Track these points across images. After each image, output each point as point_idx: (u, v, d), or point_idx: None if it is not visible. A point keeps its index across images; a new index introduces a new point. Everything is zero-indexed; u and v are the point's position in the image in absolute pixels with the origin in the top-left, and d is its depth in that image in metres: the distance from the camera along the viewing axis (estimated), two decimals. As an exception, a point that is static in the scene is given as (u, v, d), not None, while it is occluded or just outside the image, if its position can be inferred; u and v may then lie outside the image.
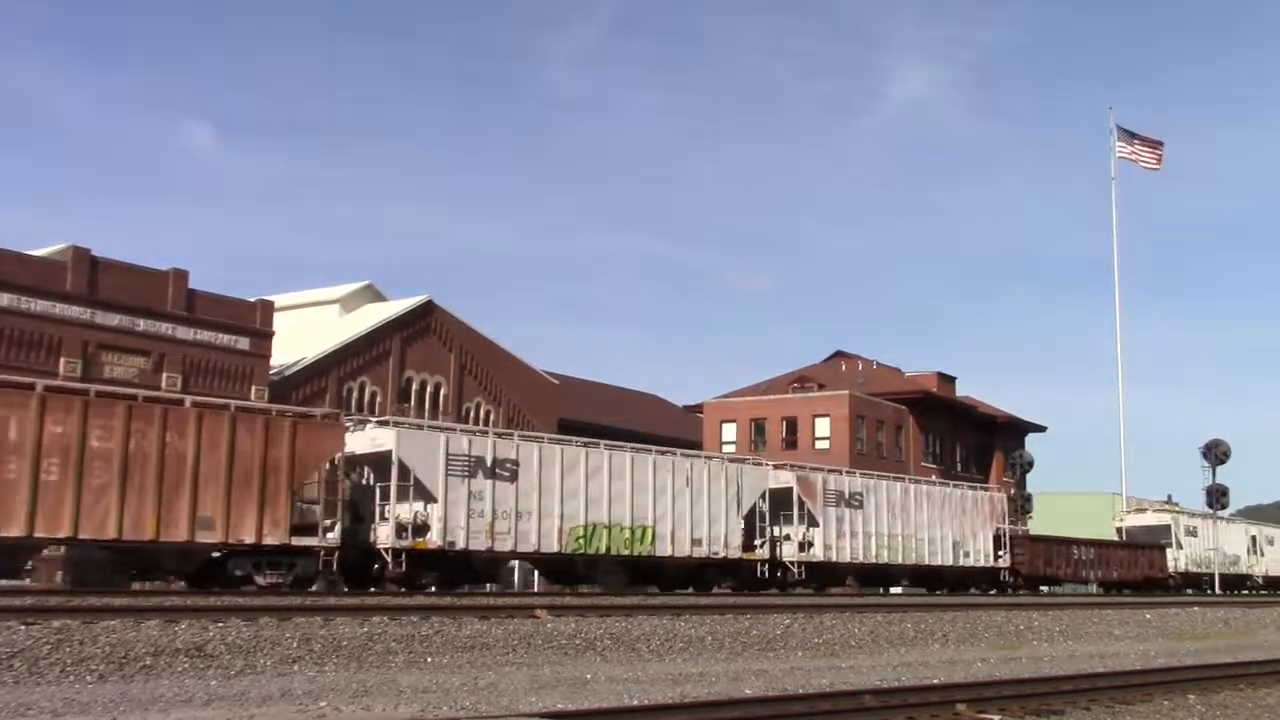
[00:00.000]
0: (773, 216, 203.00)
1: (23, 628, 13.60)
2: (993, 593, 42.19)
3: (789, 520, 36.32)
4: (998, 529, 43.91)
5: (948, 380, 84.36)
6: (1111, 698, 12.95)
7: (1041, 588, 47.57)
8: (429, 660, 15.08)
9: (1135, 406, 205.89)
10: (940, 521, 41.45)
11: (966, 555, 42.21)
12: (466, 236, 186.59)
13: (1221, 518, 57.27)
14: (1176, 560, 53.13)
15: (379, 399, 57.52)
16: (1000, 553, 43.55)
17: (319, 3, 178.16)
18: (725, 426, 74.59)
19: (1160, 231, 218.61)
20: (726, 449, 73.55)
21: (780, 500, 36.15)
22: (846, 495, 38.08)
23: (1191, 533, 55.13)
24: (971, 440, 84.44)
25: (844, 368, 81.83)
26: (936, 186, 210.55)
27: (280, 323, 53.84)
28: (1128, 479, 65.61)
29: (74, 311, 45.53)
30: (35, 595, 19.52)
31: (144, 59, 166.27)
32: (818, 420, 72.06)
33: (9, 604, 15.65)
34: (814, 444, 71.33)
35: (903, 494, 40.53)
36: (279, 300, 55.52)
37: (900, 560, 39.98)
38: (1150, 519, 55.87)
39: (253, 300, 52.95)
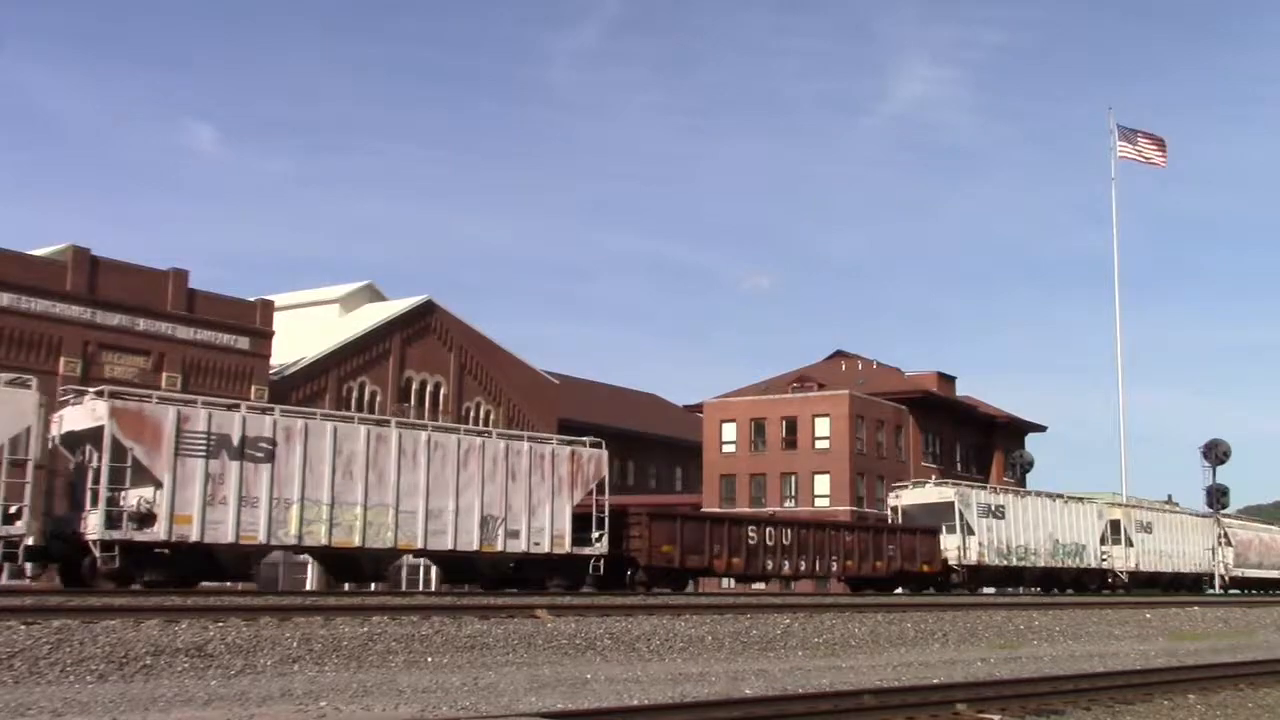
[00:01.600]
0: (774, 216, 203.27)
1: (23, 628, 13.59)
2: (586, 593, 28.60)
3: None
4: (587, 498, 30.32)
5: (948, 380, 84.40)
6: (1111, 698, 12.95)
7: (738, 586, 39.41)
8: (429, 660, 15.08)
9: (1135, 406, 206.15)
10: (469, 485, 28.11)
11: (517, 536, 28.56)
12: (466, 236, 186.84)
13: (1058, 495, 47.32)
14: (964, 550, 40.58)
15: (379, 398, 57.56)
16: (594, 534, 29.99)
17: (319, 3, 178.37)
18: (725, 426, 74.62)
19: (1160, 231, 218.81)
20: (726, 449, 73.66)
21: None
22: None
23: (995, 513, 42.12)
24: (971, 440, 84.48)
25: (844, 368, 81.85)
26: (937, 186, 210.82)
27: (280, 323, 53.88)
28: (1128, 479, 65.58)
29: (74, 311, 45.56)
30: (35, 595, 19.52)
31: (145, 59, 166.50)
32: (817, 420, 72.08)
33: (9, 604, 15.65)
34: (814, 444, 71.35)
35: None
36: (279, 300, 55.57)
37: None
38: (932, 495, 42.98)
39: (253, 300, 53.00)
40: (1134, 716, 12.23)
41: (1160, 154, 65.74)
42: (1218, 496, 61.32)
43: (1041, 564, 43.82)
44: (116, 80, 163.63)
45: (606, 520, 30.18)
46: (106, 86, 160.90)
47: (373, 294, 65.58)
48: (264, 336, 52.12)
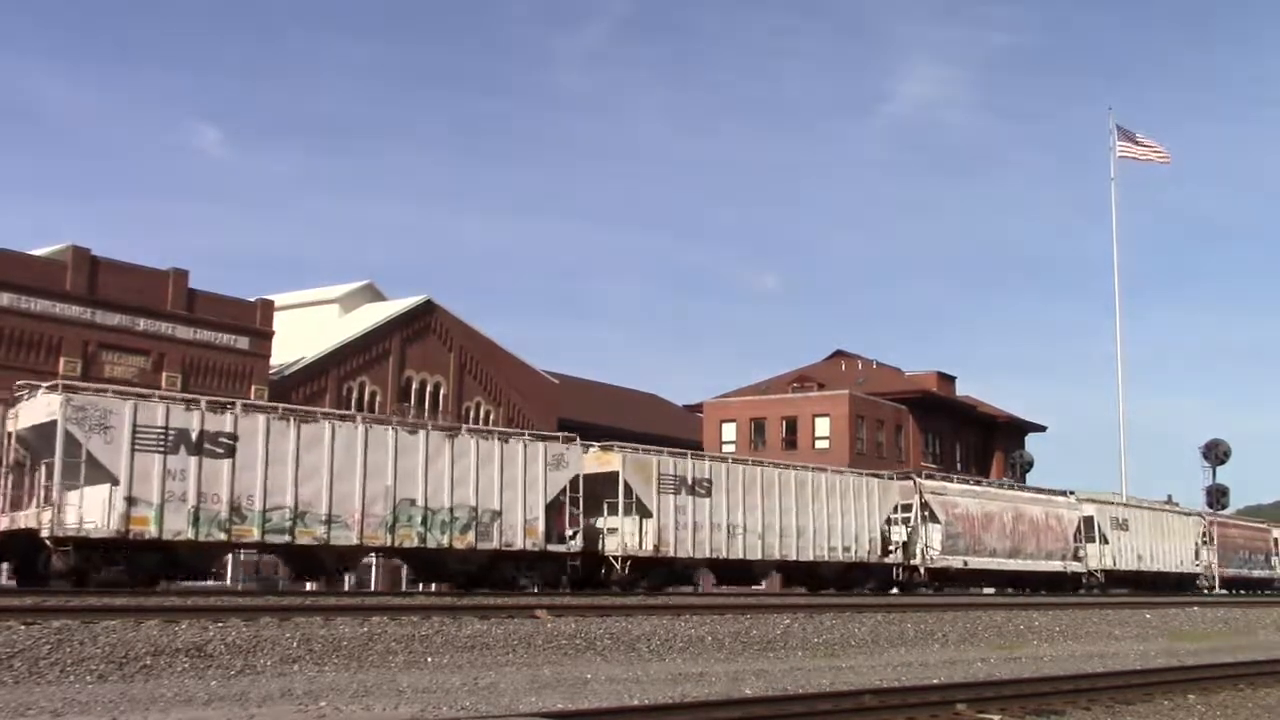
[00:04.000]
0: (774, 216, 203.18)
1: (23, 628, 13.59)
2: None
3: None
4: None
5: (948, 380, 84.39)
6: (1111, 698, 12.94)
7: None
8: (429, 660, 15.08)
9: (1135, 406, 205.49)
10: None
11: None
12: (466, 236, 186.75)
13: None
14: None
15: (379, 398, 57.57)
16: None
17: (320, 2, 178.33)
18: (725, 426, 74.64)
19: (1161, 231, 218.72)
20: (726, 449, 73.66)
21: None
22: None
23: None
24: (971, 440, 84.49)
25: (844, 367, 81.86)
26: (938, 186, 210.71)
27: (280, 322, 53.88)
28: (1128, 479, 65.53)
29: (74, 311, 45.55)
30: (35, 595, 19.52)
31: (146, 59, 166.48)
32: (818, 420, 72.10)
33: (9, 604, 15.66)
34: (814, 444, 71.36)
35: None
36: (279, 300, 55.57)
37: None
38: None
39: (253, 300, 52.99)
40: (1134, 716, 12.23)
41: (1162, 154, 65.76)
42: (1218, 496, 61.39)
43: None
44: (116, 80, 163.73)
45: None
46: (106, 86, 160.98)
47: (373, 294, 65.57)
48: (264, 336, 52.12)
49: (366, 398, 57.10)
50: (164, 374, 47.36)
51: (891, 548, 38.10)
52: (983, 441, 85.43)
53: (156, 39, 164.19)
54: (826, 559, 35.60)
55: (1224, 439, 63.41)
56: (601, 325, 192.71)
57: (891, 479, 39.92)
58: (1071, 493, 48.31)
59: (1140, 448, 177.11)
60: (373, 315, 60.97)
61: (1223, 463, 61.96)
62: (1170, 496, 72.97)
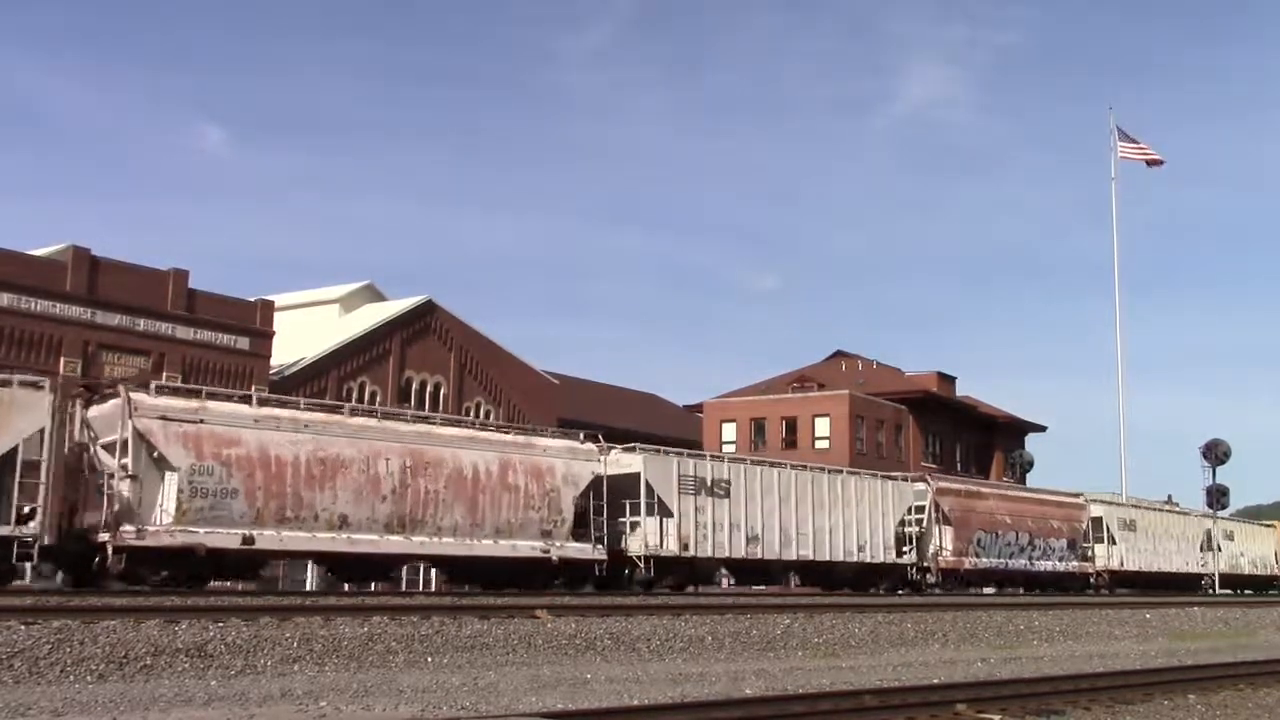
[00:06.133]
0: (775, 216, 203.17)
1: (23, 628, 13.58)
2: None
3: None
4: None
5: (948, 380, 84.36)
6: (1111, 698, 12.94)
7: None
8: (429, 660, 15.08)
9: (1135, 406, 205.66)
10: None
11: None
12: (466, 236, 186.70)
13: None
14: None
15: (379, 399, 57.54)
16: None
17: (321, 2, 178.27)
18: (725, 426, 74.64)
19: (1161, 231, 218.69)
20: (726, 448, 73.67)
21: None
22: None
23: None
24: (971, 440, 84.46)
25: (844, 367, 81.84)
26: (939, 186, 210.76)
27: (280, 323, 53.87)
28: (1128, 479, 65.48)
29: (74, 311, 45.53)
30: (35, 595, 19.51)
31: (148, 59, 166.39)
32: (818, 420, 72.09)
33: (9, 604, 15.65)
34: (814, 444, 71.36)
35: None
36: (279, 300, 55.56)
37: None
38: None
39: (253, 300, 52.98)
40: (1134, 716, 12.23)
41: (1154, 156, 65.77)
42: (1218, 496, 61.25)
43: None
44: (116, 79, 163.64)
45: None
46: (106, 86, 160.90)
47: (373, 294, 65.55)
48: (264, 336, 52.11)
49: (366, 398, 57.09)
50: (164, 374, 47.31)
51: (906, 549, 38.26)
52: (983, 441, 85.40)
53: (156, 39, 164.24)
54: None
55: (1224, 439, 63.13)
56: (601, 325, 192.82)
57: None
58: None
59: (1140, 448, 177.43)
60: (373, 315, 60.95)
61: (1223, 463, 61.72)
62: (1170, 496, 72.97)
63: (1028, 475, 71.72)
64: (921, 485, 39.86)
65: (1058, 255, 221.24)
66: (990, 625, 24.21)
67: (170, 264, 49.84)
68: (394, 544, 26.18)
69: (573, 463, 29.64)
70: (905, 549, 38.13)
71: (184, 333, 48.99)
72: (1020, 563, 42.45)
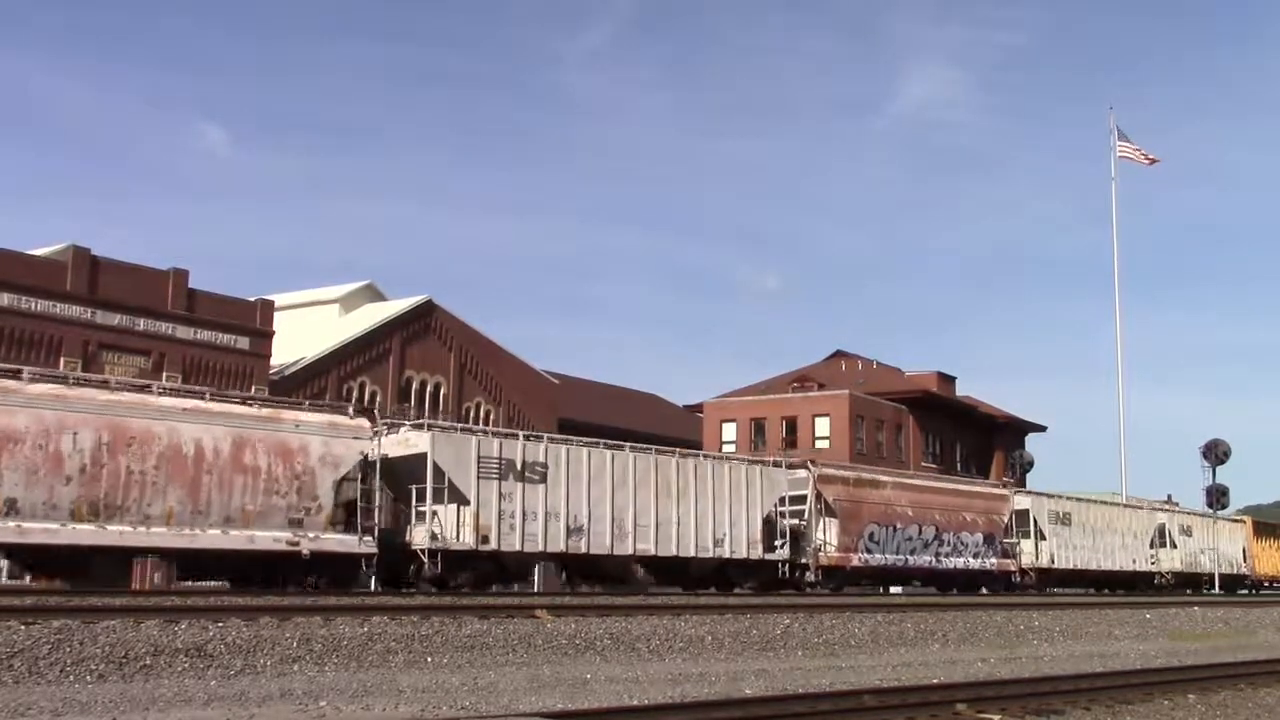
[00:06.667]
0: (775, 216, 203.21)
1: (23, 628, 13.58)
2: None
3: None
4: None
5: (948, 380, 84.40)
6: (1111, 698, 12.94)
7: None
8: (429, 660, 15.08)
9: (1135, 406, 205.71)
10: None
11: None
12: (466, 236, 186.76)
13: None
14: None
15: (379, 398, 57.57)
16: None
17: (321, 2, 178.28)
18: (725, 426, 74.67)
19: (1161, 231, 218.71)
20: (726, 448, 73.69)
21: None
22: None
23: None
24: (971, 440, 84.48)
25: (844, 368, 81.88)
26: (940, 186, 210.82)
27: (280, 322, 53.94)
28: (1128, 479, 65.52)
29: (74, 311, 45.59)
30: (35, 595, 19.50)
31: (148, 59, 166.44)
32: (818, 420, 72.11)
33: (9, 604, 15.65)
34: (814, 444, 71.37)
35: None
36: (279, 300, 55.63)
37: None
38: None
39: (253, 300, 53.04)
40: (1134, 716, 12.23)
41: (1150, 158, 65.89)
42: (1217, 497, 61.27)
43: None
44: (116, 79, 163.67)
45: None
46: (106, 86, 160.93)
47: (373, 294, 65.61)
48: (264, 336, 52.16)
49: (366, 398, 57.14)
50: (164, 374, 47.36)
51: (778, 543, 33.25)
52: (983, 441, 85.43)
53: (156, 39, 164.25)
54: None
55: (1224, 439, 63.20)
56: (601, 325, 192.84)
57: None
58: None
59: (1140, 448, 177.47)
60: (373, 315, 61.01)
61: (1223, 463, 61.84)
62: (1170, 496, 73.06)
63: (1028, 475, 71.69)
64: (802, 472, 35.64)
65: (1058, 255, 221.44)
66: (990, 625, 24.22)
67: (170, 264, 50.00)
68: (83, 534, 22.09)
69: (333, 441, 25.50)
70: (778, 543, 33.41)
71: (184, 333, 49.04)
72: (924, 559, 38.44)
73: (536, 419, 61.66)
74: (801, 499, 34.87)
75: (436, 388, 61.11)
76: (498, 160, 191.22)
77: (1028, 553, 42.61)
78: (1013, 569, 41.88)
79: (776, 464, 35.55)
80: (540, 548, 28.47)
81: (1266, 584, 61.69)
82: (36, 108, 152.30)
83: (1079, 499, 47.55)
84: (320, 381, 55.51)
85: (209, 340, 49.82)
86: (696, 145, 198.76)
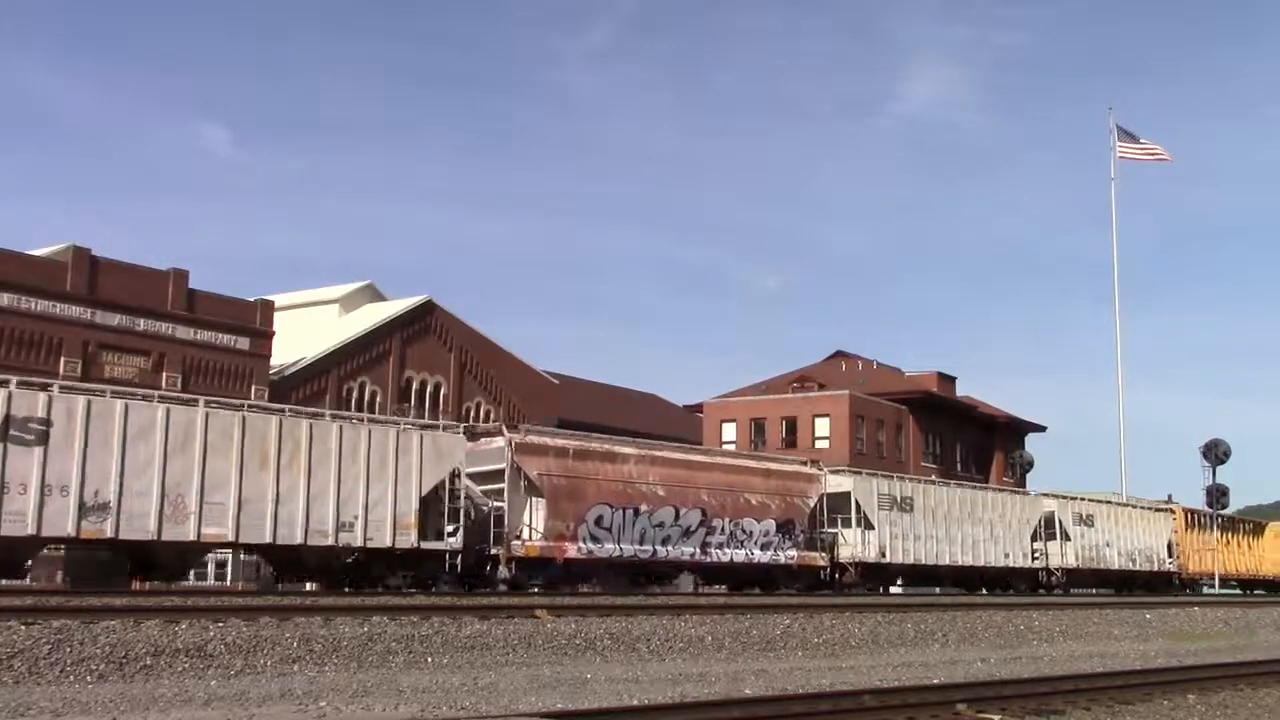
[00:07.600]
0: (775, 216, 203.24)
1: (23, 628, 13.59)
2: None
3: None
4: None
5: (948, 380, 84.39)
6: (1111, 698, 12.95)
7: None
8: (429, 660, 15.09)
9: (1135, 406, 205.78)
10: None
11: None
12: (466, 236, 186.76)
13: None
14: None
15: (379, 399, 57.59)
16: (448, 527, 27.42)
17: (321, 3, 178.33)
18: (725, 426, 74.66)
19: (1161, 232, 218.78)
20: (727, 448, 73.70)
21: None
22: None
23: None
24: (971, 440, 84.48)
25: (844, 368, 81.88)
26: (940, 186, 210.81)
27: (280, 323, 53.94)
28: (1128, 479, 65.48)
29: (74, 311, 45.59)
30: (35, 595, 19.50)
31: (148, 59, 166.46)
32: (818, 420, 72.11)
33: (9, 604, 15.65)
34: (814, 444, 71.37)
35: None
36: (279, 300, 55.64)
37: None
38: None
39: (253, 300, 53.05)
40: (1134, 716, 12.24)
41: (1162, 154, 65.77)
42: (1218, 496, 61.25)
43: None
44: (116, 79, 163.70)
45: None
46: (106, 86, 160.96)
47: (373, 294, 65.63)
48: (264, 336, 52.17)
49: (367, 398, 57.15)
50: (164, 374, 47.40)
51: (451, 529, 27.25)
52: (983, 441, 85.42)
53: (156, 39, 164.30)
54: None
55: (1224, 439, 63.18)
56: (601, 325, 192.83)
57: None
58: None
59: (1140, 448, 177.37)
60: (373, 315, 61.02)
61: (1223, 463, 61.81)
62: (1170, 496, 73.04)
63: (1028, 475, 71.74)
64: (498, 440, 29.28)
65: (1058, 255, 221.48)
66: (990, 625, 24.23)
67: (170, 264, 50.01)
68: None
69: None
70: (450, 530, 26.94)
71: (184, 333, 49.04)
72: (683, 550, 31.60)
73: (536, 419, 61.69)
74: (499, 475, 28.63)
75: (436, 388, 61.12)
76: (497, 160, 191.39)
77: (849, 544, 36.35)
78: (822, 564, 35.40)
79: (452, 429, 29.45)
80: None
81: (1200, 582, 54.53)
82: (37, 108, 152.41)
83: (928, 483, 41.87)
84: (320, 381, 55.53)
85: (209, 340, 49.82)
86: (696, 145, 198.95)
